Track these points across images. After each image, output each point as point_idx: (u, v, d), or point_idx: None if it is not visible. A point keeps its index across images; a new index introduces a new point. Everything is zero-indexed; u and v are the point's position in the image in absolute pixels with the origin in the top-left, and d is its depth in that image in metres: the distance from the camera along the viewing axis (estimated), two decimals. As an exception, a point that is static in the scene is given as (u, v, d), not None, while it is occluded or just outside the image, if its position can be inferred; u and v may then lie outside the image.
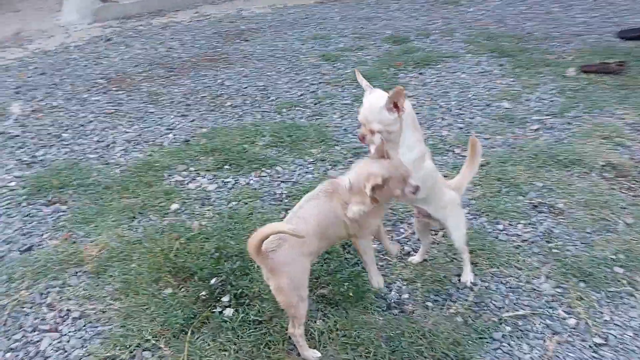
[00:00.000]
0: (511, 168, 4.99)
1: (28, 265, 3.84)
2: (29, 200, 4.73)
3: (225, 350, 3.12)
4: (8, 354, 3.15)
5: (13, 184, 5.02)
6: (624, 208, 4.39)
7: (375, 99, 2.93)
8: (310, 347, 3.07)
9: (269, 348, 3.14)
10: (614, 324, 3.34)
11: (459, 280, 3.68)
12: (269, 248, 2.76)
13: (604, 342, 3.21)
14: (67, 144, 5.86)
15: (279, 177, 5.03)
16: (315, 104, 6.78)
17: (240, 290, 3.47)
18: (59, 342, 3.23)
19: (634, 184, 4.72)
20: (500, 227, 4.23)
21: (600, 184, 4.75)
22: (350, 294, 3.45)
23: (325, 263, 3.76)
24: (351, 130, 5.97)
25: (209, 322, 3.30)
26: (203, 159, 5.37)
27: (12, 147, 5.79)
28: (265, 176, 5.05)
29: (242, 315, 3.32)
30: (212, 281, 3.51)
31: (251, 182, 4.97)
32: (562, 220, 4.29)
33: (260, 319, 3.31)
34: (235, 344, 3.16)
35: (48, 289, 3.64)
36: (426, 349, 3.14)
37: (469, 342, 3.21)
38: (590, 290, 3.58)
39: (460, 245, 3.56)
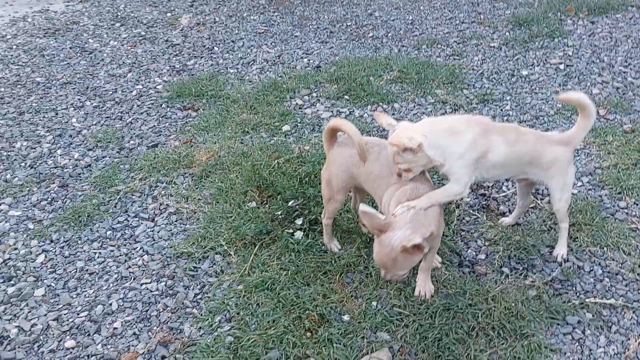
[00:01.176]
0: (662, 139, 4.12)
1: (149, 160, 4.20)
2: (169, 103, 5.12)
3: (286, 270, 3.14)
4: (109, 232, 3.53)
5: (160, 87, 5.46)
6: None
7: (399, 137, 2.62)
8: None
9: (326, 276, 3.09)
10: None
11: (550, 252, 3.21)
12: (340, 142, 2.99)
13: None
14: (215, 57, 6.16)
15: (393, 114, 4.77)
16: (459, 43, 6.22)
17: (315, 216, 3.43)
18: (151, 231, 3.53)
19: None
20: (622, 204, 3.56)
21: None
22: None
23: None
24: (488, 76, 5.39)
25: (278, 240, 3.32)
26: (327, 86, 5.29)
27: (170, 54, 6.26)
28: (381, 111, 4.82)
29: (310, 240, 3.29)
30: (291, 203, 3.50)
31: (365, 115, 4.78)
32: None
33: (326, 249, 3.25)
34: (296, 265, 3.16)
35: (157, 183, 3.97)
36: (483, 314, 2.83)
37: (536, 318, 2.82)
38: None
39: (562, 210, 3.04)
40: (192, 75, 5.68)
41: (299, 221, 3.42)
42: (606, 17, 6.75)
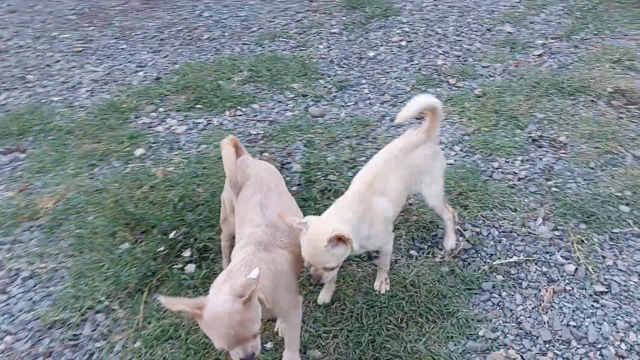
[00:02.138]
0: (510, 99, 4.55)
1: (-23, 221, 3.53)
2: (-16, 149, 4.37)
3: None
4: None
5: (-32, 131, 4.65)
6: (634, 139, 3.99)
7: (316, 240, 2.34)
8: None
9: (234, 306, 2.85)
10: (618, 269, 3.02)
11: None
12: None
13: (606, 290, 2.90)
14: (31, 86, 5.43)
15: (255, 115, 4.63)
16: (300, 33, 6.26)
17: (203, 243, 3.16)
18: (5, 305, 2.96)
19: (645, 112, 4.28)
20: (495, 164, 3.85)
21: (608, 113, 4.32)
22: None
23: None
24: (338, 62, 5.49)
25: (168, 280, 3.00)
26: (174, 98, 4.95)
27: (-30, 92, 5.37)
28: (241, 115, 4.65)
29: (205, 271, 3.02)
30: (172, 234, 3.19)
31: (225, 122, 4.57)
32: (563, 155, 3.90)
33: (225, 275, 3.01)
34: (197, 303, 2.87)
35: (-2, 246, 3.35)
36: (407, 302, 2.84)
37: (455, 294, 2.91)
38: (592, 232, 3.24)
39: (437, 205, 3.04)
40: (8, 111, 4.94)
41: (186, 253, 3.13)
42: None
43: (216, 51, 5.94)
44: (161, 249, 3.13)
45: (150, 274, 3.02)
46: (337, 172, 3.82)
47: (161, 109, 4.80)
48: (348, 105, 4.72)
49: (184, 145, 4.29)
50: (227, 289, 1.97)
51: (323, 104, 4.74)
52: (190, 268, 3.05)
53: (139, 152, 4.20)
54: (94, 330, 2.80)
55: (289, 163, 3.99)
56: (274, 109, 4.72)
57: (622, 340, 2.65)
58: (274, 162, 3.94)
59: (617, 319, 2.75)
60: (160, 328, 2.74)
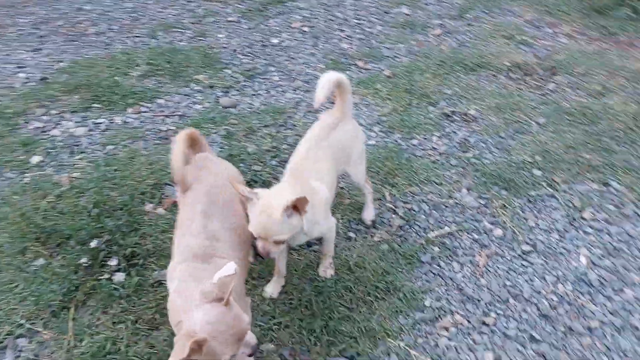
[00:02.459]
0: (418, 77, 4.77)
1: None
2: None
3: (122, 323, 2.70)
4: None
5: None
6: (535, 108, 4.36)
7: (270, 210, 2.34)
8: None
9: (175, 311, 2.75)
10: (540, 229, 3.30)
11: (384, 204, 3.45)
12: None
13: (532, 249, 3.16)
14: None
15: (162, 111, 4.46)
16: (196, 23, 6.10)
17: (129, 249, 3.01)
18: None
19: (540, 82, 4.70)
20: (415, 142, 4.03)
21: (509, 85, 4.68)
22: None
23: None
24: (241, 51, 5.43)
25: (96, 293, 2.83)
26: (66, 99, 4.62)
27: None
28: (146, 111, 4.45)
29: (137, 278, 2.88)
30: (93, 243, 3.00)
31: (129, 120, 4.35)
32: (475, 128, 4.18)
33: (161, 280, 2.89)
34: (133, 314, 2.74)
35: None
36: (354, 284, 2.91)
37: (398, 269, 3.02)
38: (512, 197, 3.51)
39: (360, 181, 3.18)
40: None
41: (112, 262, 2.97)
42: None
43: (106, 46, 5.62)
44: (83, 260, 2.94)
45: (74, 289, 2.83)
46: (261, 162, 3.80)
47: (53, 111, 4.47)
48: (260, 94, 4.69)
49: (86, 148, 4.04)
50: (199, 297, 1.87)
51: (233, 94, 4.68)
52: (119, 277, 2.90)
53: (35, 159, 3.89)
54: (17, 357, 2.57)
55: (207, 157, 3.90)
56: (181, 102, 4.58)
57: (553, 292, 2.91)
58: (192, 157, 3.83)
59: (545, 274, 3.01)
60: (95, 344, 2.58)
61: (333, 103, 3.08)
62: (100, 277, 2.90)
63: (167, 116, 4.39)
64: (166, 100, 4.60)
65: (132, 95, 4.62)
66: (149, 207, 3.41)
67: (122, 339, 2.62)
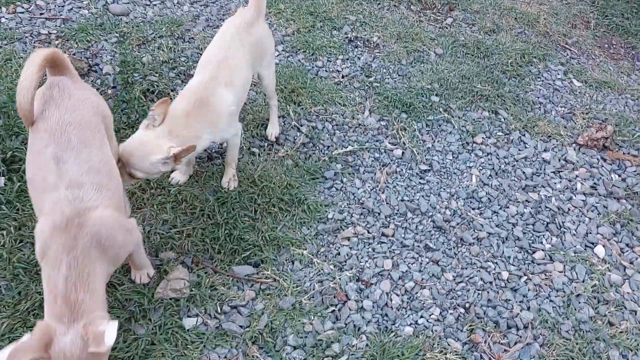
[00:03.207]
0: (322, 1, 4.72)
1: None
2: None
3: (2, 230, 2.49)
4: None
5: None
6: (433, 39, 4.51)
7: (149, 147, 2.38)
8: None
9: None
10: (436, 150, 3.48)
11: (285, 122, 3.44)
12: None
13: (429, 168, 3.34)
14: None
15: (42, 13, 4.03)
16: None
17: (10, 153, 2.75)
18: None
19: (439, 16, 4.85)
20: (319, 63, 4.02)
21: (410, 16, 4.78)
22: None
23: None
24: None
25: (-28, 199, 2.58)
26: None
27: None
28: (23, 12, 4.00)
29: (18, 184, 2.65)
30: (-32, 146, 2.71)
31: (3, 20, 3.90)
32: (378, 54, 4.24)
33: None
34: (15, 220, 2.54)
35: None
36: (259, 195, 2.91)
37: (302, 183, 3.06)
38: (411, 120, 3.65)
39: (270, 86, 3.16)
40: None
41: (-9, 165, 2.70)
42: None
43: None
44: (-46, 164, 2.65)
45: (-56, 195, 2.55)
46: (157, 73, 3.60)
47: None
48: (154, 5, 4.39)
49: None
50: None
51: (124, 2, 4.34)
52: (0, 182, 2.65)
53: None
54: None
55: (97, 65, 3.63)
56: (64, 5, 4.17)
57: (447, 208, 3.11)
58: (79, 62, 3.54)
59: (441, 191, 3.20)
60: (-27, 252, 2.37)
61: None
62: (-25, 183, 2.63)
63: (48, 19, 3.99)
64: (46, 2, 4.16)
65: None
66: (31, 111, 3.12)
67: (3, 245, 2.43)
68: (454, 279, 2.75)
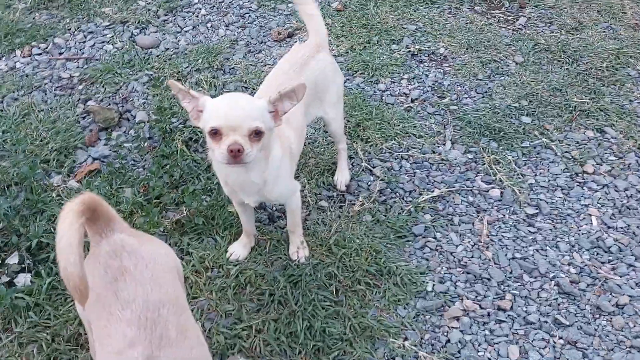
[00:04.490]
0: (374, 11, 4.17)
1: None
2: None
3: (33, 343, 2.02)
4: None
5: None
6: (509, 45, 3.92)
7: (246, 98, 1.95)
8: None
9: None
10: (540, 186, 2.90)
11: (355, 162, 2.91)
12: None
13: (537, 211, 2.76)
14: None
15: (61, 53, 3.59)
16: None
17: (36, 240, 2.28)
18: None
19: (509, 16, 4.25)
20: (382, 86, 3.48)
21: (476, 19, 4.19)
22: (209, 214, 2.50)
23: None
24: (154, -22, 4.55)
25: (-9, 304, 2.11)
26: None
27: None
28: (40, 54, 3.58)
29: (48, 279, 2.19)
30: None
31: (19, 64, 3.47)
32: (448, 69, 3.68)
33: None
34: (47, 329, 2.07)
35: None
36: (338, 268, 2.38)
37: (387, 246, 2.52)
38: (504, 150, 3.08)
39: (338, 130, 2.67)
40: None
41: (12, 259, 2.24)
42: None
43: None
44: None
45: (-43, 303, 2.09)
46: (198, 115, 3.10)
47: None
48: (185, 31, 3.92)
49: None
50: None
51: (152, 32, 3.87)
52: (24, 279, 2.18)
53: None
54: None
55: (128, 111, 3.16)
56: (85, 42, 3.73)
57: (570, 264, 2.53)
58: (108, 111, 3.07)
59: (558, 242, 2.63)
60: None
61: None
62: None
63: (68, 59, 3.54)
64: (66, 40, 3.74)
65: (20, 33, 3.75)
66: (56, 179, 2.68)
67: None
68: (603, 368, 2.17)
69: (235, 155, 1.76)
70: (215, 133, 1.79)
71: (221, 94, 3.24)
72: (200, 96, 1.87)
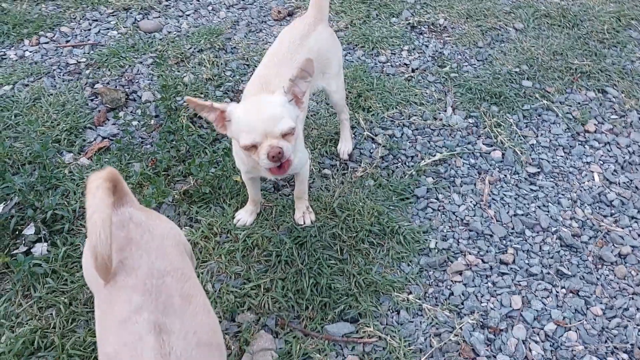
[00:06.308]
0: (373, -15, 4.22)
1: None
2: None
3: (51, 307, 2.14)
4: None
5: None
6: (509, 12, 3.97)
7: (265, 100, 1.96)
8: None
9: (120, 286, 2.20)
10: (542, 146, 2.96)
11: (357, 132, 2.99)
12: None
13: (538, 170, 2.82)
14: None
15: (67, 41, 3.70)
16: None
17: (50, 211, 2.39)
18: None
19: (509, -15, 4.27)
20: (383, 58, 3.54)
21: (476, -10, 4.23)
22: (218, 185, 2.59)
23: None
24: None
25: (12, 274, 2.23)
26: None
27: None
28: (47, 42, 3.68)
29: (64, 248, 2.29)
30: (0, 208, 2.36)
31: (27, 53, 3.59)
32: (448, 39, 3.73)
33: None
34: (64, 294, 2.18)
35: None
36: (342, 229, 2.46)
37: (390, 207, 2.59)
38: (505, 113, 3.14)
39: (340, 101, 2.71)
40: None
41: (29, 230, 2.35)
42: None
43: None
44: (-13, 232, 2.31)
45: (-21, 271, 2.21)
46: (202, 93, 3.20)
47: None
48: (187, 15, 4.01)
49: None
50: None
51: (154, 17, 3.97)
52: (41, 249, 2.30)
53: None
54: None
55: (134, 92, 3.26)
56: (91, 29, 3.83)
57: (572, 219, 2.59)
58: (115, 92, 3.18)
59: (560, 198, 2.69)
60: (19, 339, 2.01)
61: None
62: (14, 252, 2.29)
63: (74, 46, 3.65)
64: (71, 28, 3.83)
65: (27, 23, 3.84)
66: (68, 157, 2.78)
67: (54, 328, 2.07)
68: (604, 314, 2.23)
69: (277, 158, 1.85)
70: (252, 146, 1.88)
71: (224, 72, 3.35)
72: (224, 107, 1.91)
